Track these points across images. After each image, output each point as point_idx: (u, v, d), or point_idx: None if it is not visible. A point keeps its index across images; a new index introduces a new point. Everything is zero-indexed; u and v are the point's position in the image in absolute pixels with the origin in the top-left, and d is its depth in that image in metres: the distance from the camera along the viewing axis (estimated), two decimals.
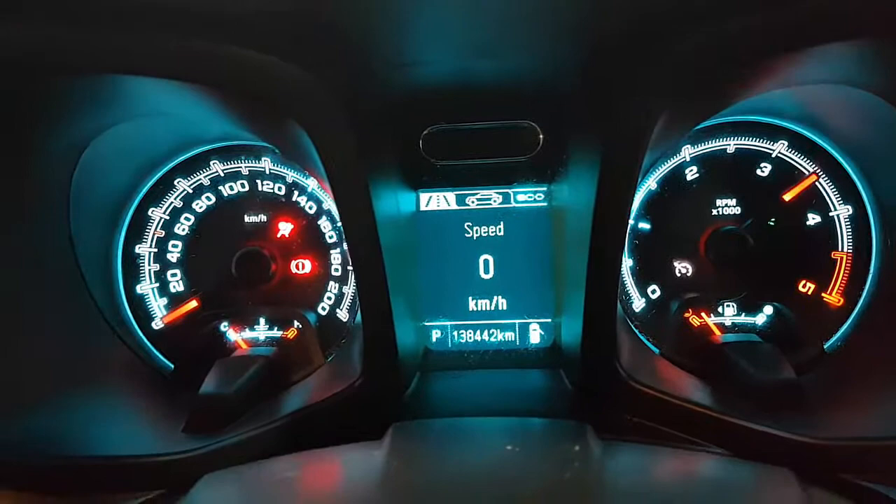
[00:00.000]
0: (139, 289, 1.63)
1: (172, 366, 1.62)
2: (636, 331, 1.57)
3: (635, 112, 1.19)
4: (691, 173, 1.57)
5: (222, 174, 1.64)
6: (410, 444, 1.02)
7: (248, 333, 1.64)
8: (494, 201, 1.61)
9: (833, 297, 1.54)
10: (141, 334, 1.63)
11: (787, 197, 1.54)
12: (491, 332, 1.63)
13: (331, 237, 1.64)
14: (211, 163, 1.64)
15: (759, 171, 1.55)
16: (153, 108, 1.33)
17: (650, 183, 1.58)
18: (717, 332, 1.55)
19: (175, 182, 1.63)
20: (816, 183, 1.54)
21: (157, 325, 1.64)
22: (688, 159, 1.57)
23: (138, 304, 1.63)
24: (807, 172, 1.54)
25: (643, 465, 0.97)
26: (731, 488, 0.91)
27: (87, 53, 1.07)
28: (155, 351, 1.63)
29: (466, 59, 1.27)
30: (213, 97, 1.20)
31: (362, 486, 0.89)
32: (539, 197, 1.60)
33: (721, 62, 1.13)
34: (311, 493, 0.91)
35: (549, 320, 1.60)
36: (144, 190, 1.63)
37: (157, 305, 1.64)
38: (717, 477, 0.94)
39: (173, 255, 1.64)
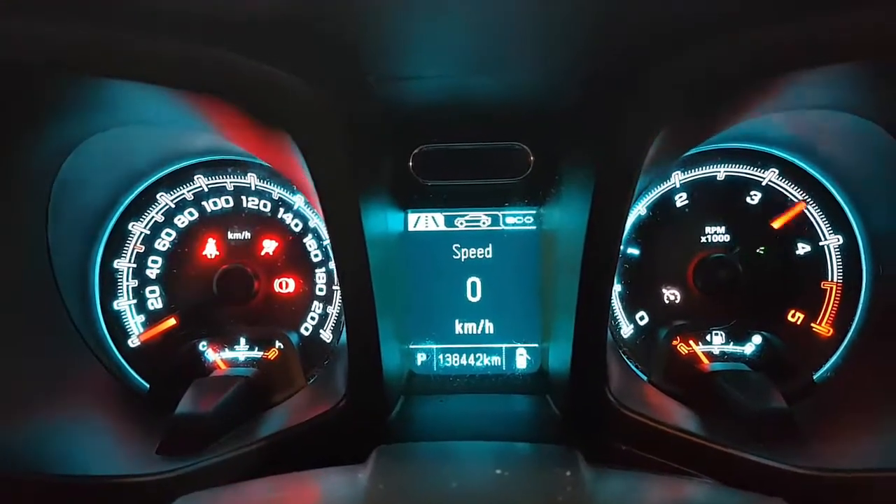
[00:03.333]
0: (116, 305, 1.59)
1: (148, 385, 1.57)
2: (624, 357, 1.55)
3: (630, 132, 1.19)
4: (681, 200, 1.57)
5: (206, 189, 1.61)
6: (396, 467, 0.98)
7: (227, 353, 1.60)
8: (483, 223, 1.59)
9: (823, 328, 1.53)
10: (116, 352, 1.57)
11: (777, 224, 1.53)
12: (477, 356, 1.59)
13: (316, 256, 1.61)
14: (195, 177, 1.60)
15: (748, 199, 1.55)
16: (139, 116, 1.29)
17: (640, 208, 1.57)
18: (706, 361, 1.54)
19: (157, 196, 1.60)
20: (806, 212, 1.53)
21: (134, 342, 1.59)
22: (678, 185, 1.56)
23: (114, 320, 1.58)
24: (797, 200, 1.54)
25: (636, 491, 0.94)
26: None
27: (74, 55, 1.04)
28: (130, 370, 1.57)
29: (463, 75, 1.25)
30: (204, 104, 1.17)
31: None
32: (528, 220, 1.58)
33: (717, 82, 1.13)
34: None
35: (537, 345, 1.58)
36: (125, 203, 1.59)
37: (134, 323, 1.59)
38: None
39: (153, 272, 1.60)
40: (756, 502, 0.94)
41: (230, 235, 1.60)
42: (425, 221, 1.60)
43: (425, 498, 0.84)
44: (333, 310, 1.61)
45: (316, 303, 1.61)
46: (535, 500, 0.84)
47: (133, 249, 1.59)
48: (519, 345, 1.59)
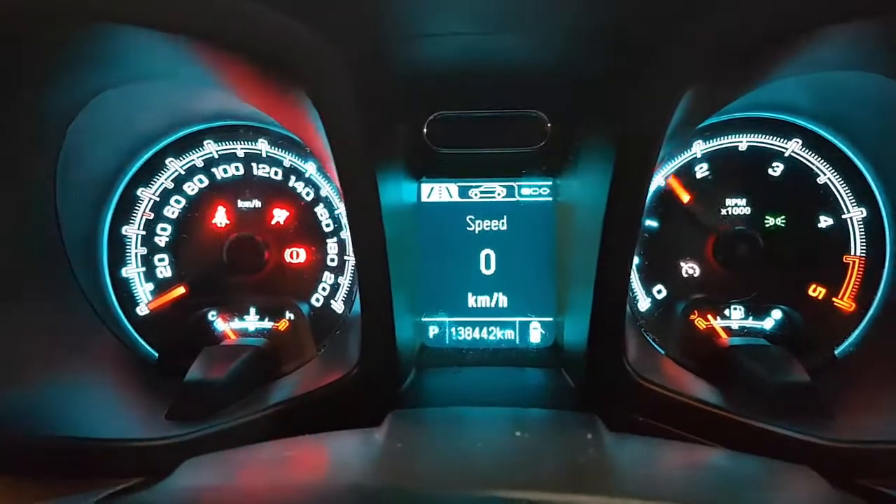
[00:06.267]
0: (124, 272, 1.56)
1: (157, 354, 1.55)
2: (642, 331, 1.52)
3: (653, 96, 1.15)
4: (701, 171, 1.53)
5: (216, 155, 1.58)
6: (412, 429, 0.96)
7: (237, 323, 1.57)
8: (498, 194, 1.56)
9: (844, 303, 1.49)
10: (125, 320, 1.56)
11: None
12: (490, 329, 1.57)
13: (328, 225, 1.58)
14: (204, 143, 1.57)
15: (770, 171, 1.52)
16: (151, 70, 1.26)
17: (659, 179, 1.53)
18: (724, 336, 1.51)
19: (166, 162, 1.57)
20: (829, 184, 1.50)
21: (142, 311, 1.57)
22: (699, 156, 1.53)
23: (123, 288, 1.56)
24: (819, 173, 1.50)
25: (659, 455, 0.91)
26: (760, 480, 0.85)
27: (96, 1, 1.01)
28: (139, 338, 1.56)
29: (481, 33, 1.22)
30: (219, 57, 1.14)
31: (363, 467, 0.83)
32: (544, 191, 1.55)
33: (741, 42, 1.09)
34: (307, 474, 0.84)
35: (551, 319, 1.55)
36: (134, 169, 1.56)
37: (143, 291, 1.57)
38: (743, 469, 0.88)
39: (161, 239, 1.57)
40: (782, 470, 0.92)
41: (240, 203, 1.58)
42: (439, 192, 1.57)
43: (445, 457, 0.82)
44: (345, 280, 1.58)
45: (327, 273, 1.58)
46: (558, 461, 0.81)
47: (142, 216, 1.57)
48: (533, 318, 1.56)
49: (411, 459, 0.82)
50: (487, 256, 1.56)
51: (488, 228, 1.56)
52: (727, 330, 1.52)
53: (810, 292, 1.51)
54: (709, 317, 1.53)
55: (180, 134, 1.57)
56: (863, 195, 1.49)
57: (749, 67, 1.18)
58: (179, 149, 1.58)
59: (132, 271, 1.57)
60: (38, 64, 1.18)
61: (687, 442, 1.22)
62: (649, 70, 1.15)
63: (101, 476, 1.12)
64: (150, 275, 1.57)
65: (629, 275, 1.27)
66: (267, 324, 1.57)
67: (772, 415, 1.22)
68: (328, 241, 1.58)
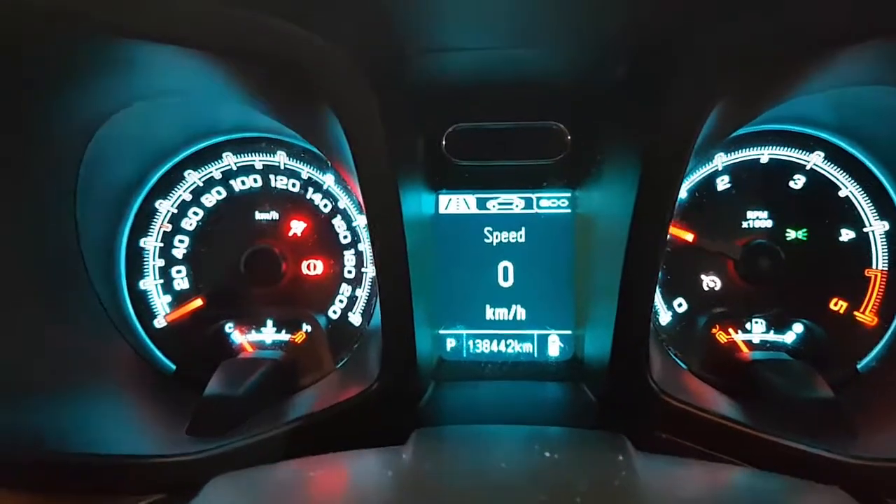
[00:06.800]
0: (142, 284, 1.56)
1: (174, 367, 1.55)
2: (663, 345, 1.51)
3: (683, 108, 1.14)
4: (723, 183, 1.52)
5: (234, 168, 1.57)
6: (439, 449, 0.95)
7: (254, 336, 1.56)
8: (516, 206, 1.55)
9: (866, 317, 1.48)
10: (142, 332, 1.55)
11: None
12: (508, 342, 1.55)
13: (345, 237, 1.57)
14: (223, 155, 1.57)
15: (792, 184, 1.50)
16: (173, 86, 1.26)
17: (681, 191, 1.52)
18: (746, 350, 1.49)
19: (185, 174, 1.56)
20: (851, 197, 1.49)
21: (160, 323, 1.56)
22: (720, 168, 1.52)
23: (140, 300, 1.56)
24: (841, 186, 1.49)
25: (692, 476, 0.90)
26: (794, 502, 0.84)
27: (111, 15, 1.00)
28: (156, 350, 1.55)
29: (503, 47, 1.21)
30: (241, 71, 1.13)
31: (394, 488, 0.81)
32: (563, 203, 1.54)
33: (775, 53, 1.08)
34: (337, 495, 0.83)
35: (570, 332, 1.53)
36: (153, 181, 1.56)
37: (161, 303, 1.56)
38: (777, 491, 0.87)
39: (179, 251, 1.57)
40: (812, 491, 0.90)
41: (258, 215, 1.57)
42: (457, 204, 1.56)
43: (479, 478, 0.81)
44: (363, 293, 1.57)
45: (344, 285, 1.57)
46: (591, 483, 0.80)
47: (160, 228, 1.56)
48: (552, 331, 1.55)
49: (443, 481, 0.81)
50: (505, 269, 1.55)
51: (506, 240, 1.55)
52: (748, 344, 1.51)
53: (832, 306, 1.49)
54: (730, 331, 1.51)
55: (199, 146, 1.57)
56: (885, 208, 1.48)
57: (777, 83, 1.17)
58: (198, 161, 1.57)
59: (150, 283, 1.56)
60: (57, 78, 1.17)
61: (711, 460, 1.21)
62: (678, 84, 1.14)
63: (120, 493, 1.12)
64: (167, 287, 1.57)
65: (654, 289, 1.26)
66: (284, 336, 1.56)
67: (795, 430, 1.20)
68: (345, 252, 1.57)
